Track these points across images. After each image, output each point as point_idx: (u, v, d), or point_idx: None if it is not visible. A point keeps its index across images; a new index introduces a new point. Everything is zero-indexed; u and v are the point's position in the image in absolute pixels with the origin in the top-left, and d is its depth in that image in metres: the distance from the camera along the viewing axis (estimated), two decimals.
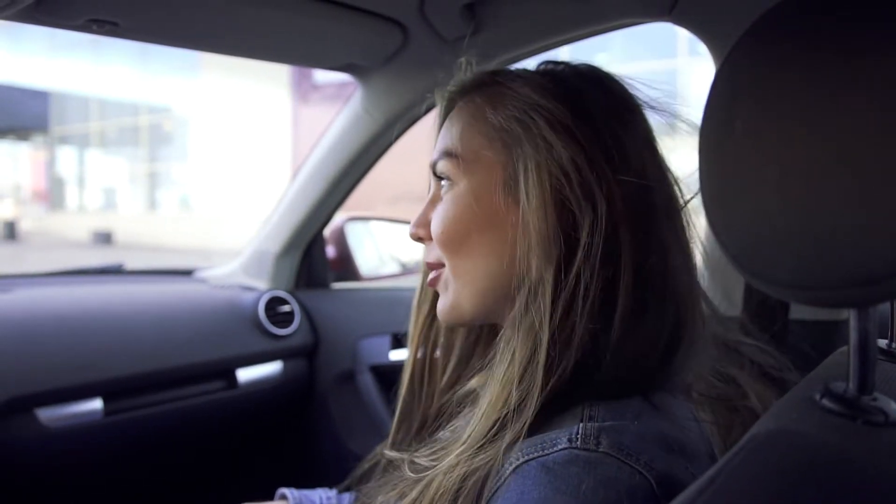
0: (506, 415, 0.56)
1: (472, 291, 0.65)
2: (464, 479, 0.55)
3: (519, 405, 0.56)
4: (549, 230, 0.59)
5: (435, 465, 0.59)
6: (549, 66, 0.69)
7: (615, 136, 0.61)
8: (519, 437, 0.54)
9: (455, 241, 0.65)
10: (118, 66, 17.93)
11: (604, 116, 0.62)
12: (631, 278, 0.58)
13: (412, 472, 0.62)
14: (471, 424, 0.59)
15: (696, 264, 0.64)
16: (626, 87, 0.67)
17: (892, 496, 0.35)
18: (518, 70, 0.70)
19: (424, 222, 0.69)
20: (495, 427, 0.56)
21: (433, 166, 0.69)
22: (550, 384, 0.55)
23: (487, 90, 0.68)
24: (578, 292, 0.57)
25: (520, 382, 0.56)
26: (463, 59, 0.73)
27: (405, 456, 0.65)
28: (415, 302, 0.80)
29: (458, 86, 0.71)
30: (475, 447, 0.56)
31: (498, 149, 0.64)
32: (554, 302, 0.57)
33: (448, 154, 0.66)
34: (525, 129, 0.62)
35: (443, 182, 0.68)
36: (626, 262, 0.58)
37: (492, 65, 0.74)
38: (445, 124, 0.70)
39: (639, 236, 0.59)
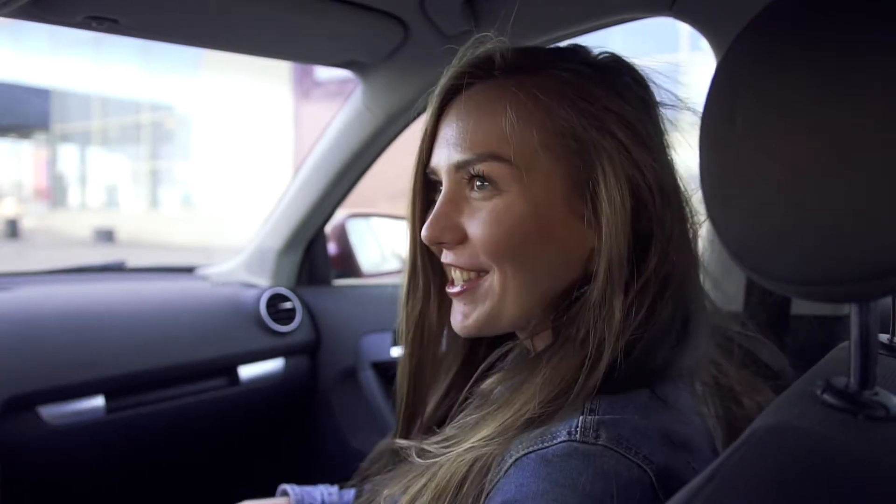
0: (537, 416, 0.56)
1: (519, 303, 0.62)
2: (470, 466, 0.55)
3: (556, 409, 0.56)
4: (625, 248, 0.57)
5: (444, 454, 0.59)
6: (583, 53, 0.65)
7: (660, 135, 0.62)
8: (519, 428, 0.55)
9: (509, 251, 0.60)
10: (120, 63, 17.91)
11: (653, 113, 0.63)
12: (672, 274, 0.58)
13: (420, 459, 0.61)
14: (496, 419, 0.58)
15: (699, 258, 0.64)
16: (647, 80, 0.65)
17: (893, 490, 0.35)
18: (564, 53, 0.65)
19: (451, 225, 0.63)
20: (524, 425, 0.56)
21: (463, 165, 0.62)
22: (591, 387, 0.55)
23: (541, 77, 0.61)
24: (636, 308, 0.57)
25: (561, 391, 0.56)
26: (488, 33, 0.65)
27: (415, 443, 0.65)
28: (405, 300, 0.74)
29: (492, 62, 0.63)
30: (491, 438, 0.56)
31: (560, 154, 0.59)
32: (617, 317, 0.57)
33: (496, 157, 0.60)
34: (603, 134, 0.59)
35: (478, 183, 0.62)
36: (678, 261, 0.59)
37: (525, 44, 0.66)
38: (467, 112, 0.63)
39: (679, 243, 0.60)
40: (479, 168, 0.60)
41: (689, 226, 0.62)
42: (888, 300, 0.60)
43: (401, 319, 0.75)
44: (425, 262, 0.72)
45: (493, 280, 0.62)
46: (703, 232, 0.65)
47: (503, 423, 0.56)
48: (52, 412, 1.16)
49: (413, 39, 1.08)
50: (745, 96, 0.43)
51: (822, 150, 0.37)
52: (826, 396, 0.42)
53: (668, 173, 0.61)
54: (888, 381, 0.45)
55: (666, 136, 0.64)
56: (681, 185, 0.62)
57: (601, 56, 0.65)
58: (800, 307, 0.97)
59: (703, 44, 0.98)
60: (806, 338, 0.96)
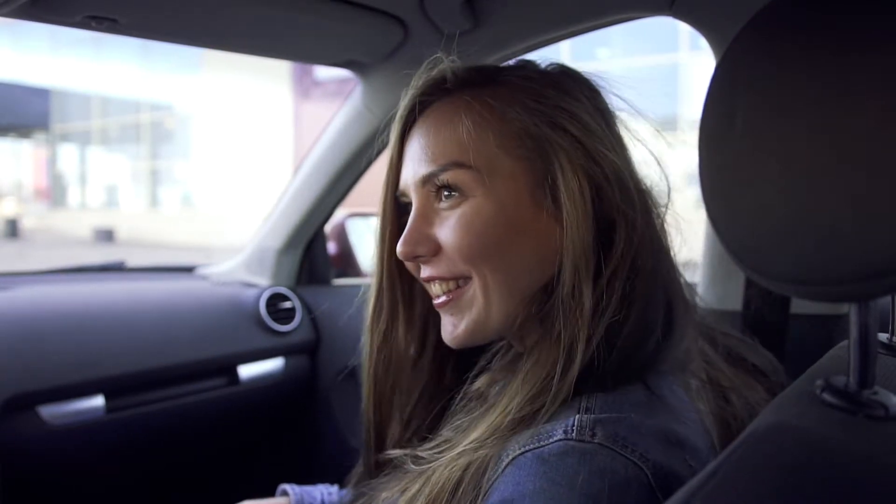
0: (524, 416, 0.56)
1: (503, 303, 0.62)
2: (465, 470, 0.55)
3: (540, 406, 0.56)
4: (588, 237, 0.59)
5: (438, 459, 0.59)
6: (531, 65, 0.68)
7: (616, 134, 0.63)
8: (515, 427, 0.55)
9: (483, 253, 0.62)
10: (119, 63, 17.91)
11: (606, 115, 0.64)
12: (648, 270, 0.59)
13: (415, 466, 0.62)
14: (485, 421, 0.59)
15: (670, 248, 0.64)
16: (597, 86, 0.67)
17: (892, 489, 0.35)
18: (513, 65, 0.68)
19: (423, 238, 0.64)
20: (511, 425, 0.56)
21: (429, 178, 0.64)
22: (566, 387, 0.56)
23: (493, 87, 0.64)
24: (606, 296, 0.58)
25: (543, 387, 0.56)
26: (439, 55, 0.68)
27: (408, 452, 0.65)
28: (369, 324, 0.77)
29: (444, 81, 0.66)
30: (483, 440, 0.57)
31: (519, 154, 0.61)
32: (587, 307, 0.57)
33: (458, 164, 0.62)
34: (555, 129, 0.61)
35: (445, 193, 0.63)
36: (645, 256, 0.59)
37: (484, 60, 0.72)
38: (426, 128, 0.65)
39: (643, 230, 0.60)
40: (444, 178, 0.63)
41: (653, 216, 0.63)
42: (887, 299, 0.60)
43: (365, 343, 0.77)
44: (393, 283, 0.73)
45: (474, 286, 0.63)
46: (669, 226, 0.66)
47: (491, 423, 0.57)
48: (52, 412, 1.16)
49: (413, 39, 1.08)
50: (744, 96, 0.43)
51: (822, 149, 0.37)
52: (825, 396, 0.42)
53: (626, 166, 0.63)
54: (887, 380, 0.45)
55: (620, 135, 0.66)
56: (639, 178, 0.64)
57: (550, 66, 0.68)
58: (799, 306, 0.97)
59: (703, 43, 0.98)
60: (805, 337, 0.96)
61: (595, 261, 0.59)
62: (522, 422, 0.56)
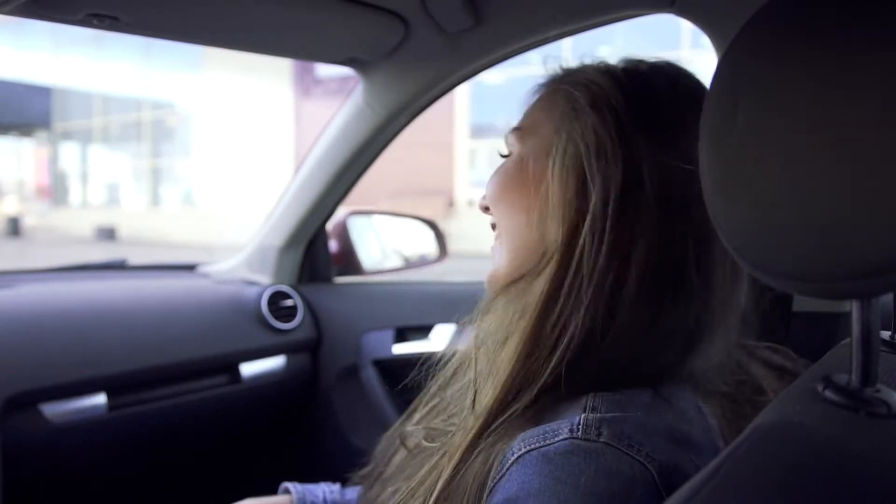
0: (511, 391, 0.57)
1: (509, 249, 0.66)
2: (472, 462, 0.55)
3: (529, 371, 0.57)
4: (567, 194, 0.60)
5: (449, 434, 0.61)
6: (632, 63, 0.68)
7: (672, 122, 0.60)
8: (522, 420, 0.55)
9: (496, 197, 0.68)
10: (121, 61, 17.93)
11: (667, 104, 0.62)
12: (646, 263, 0.57)
13: (429, 442, 0.64)
14: (478, 403, 0.60)
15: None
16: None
17: (894, 488, 0.35)
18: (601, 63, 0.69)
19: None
20: (500, 405, 0.57)
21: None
22: (558, 355, 0.56)
23: (563, 75, 0.69)
24: (584, 258, 0.57)
25: (532, 345, 0.57)
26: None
27: (421, 427, 0.67)
28: None
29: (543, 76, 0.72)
30: (479, 427, 0.57)
31: (551, 122, 0.66)
32: (563, 264, 0.58)
33: (515, 128, 0.69)
34: (570, 102, 0.63)
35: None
36: (643, 245, 0.57)
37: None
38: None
39: (667, 221, 0.58)
40: (507, 138, 0.72)
41: (706, 222, 0.60)
42: (890, 297, 0.60)
43: None
44: None
45: (496, 233, 0.70)
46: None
47: (482, 406, 0.59)
48: (53, 410, 1.16)
49: (414, 36, 1.08)
50: (746, 93, 0.43)
51: (823, 146, 0.37)
52: (827, 393, 0.42)
53: (674, 158, 0.62)
54: (890, 377, 0.45)
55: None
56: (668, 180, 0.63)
57: (642, 63, 0.69)
58: (801, 304, 0.97)
59: (705, 41, 0.98)
60: (807, 335, 0.96)
61: (571, 220, 0.59)
62: (509, 401, 0.57)
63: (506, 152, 0.71)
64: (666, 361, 0.58)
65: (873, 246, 0.35)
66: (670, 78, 0.65)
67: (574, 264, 0.58)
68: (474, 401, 0.62)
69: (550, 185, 0.61)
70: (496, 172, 0.69)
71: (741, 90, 0.43)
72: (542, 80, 0.71)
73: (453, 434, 0.62)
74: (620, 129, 0.60)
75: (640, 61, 0.67)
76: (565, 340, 0.56)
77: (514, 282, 0.64)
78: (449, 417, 0.64)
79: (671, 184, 0.58)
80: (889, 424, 0.40)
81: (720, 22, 0.93)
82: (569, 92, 0.64)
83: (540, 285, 0.59)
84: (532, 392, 0.56)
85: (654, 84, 0.64)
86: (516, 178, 0.66)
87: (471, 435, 0.58)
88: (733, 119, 0.43)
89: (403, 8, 1.00)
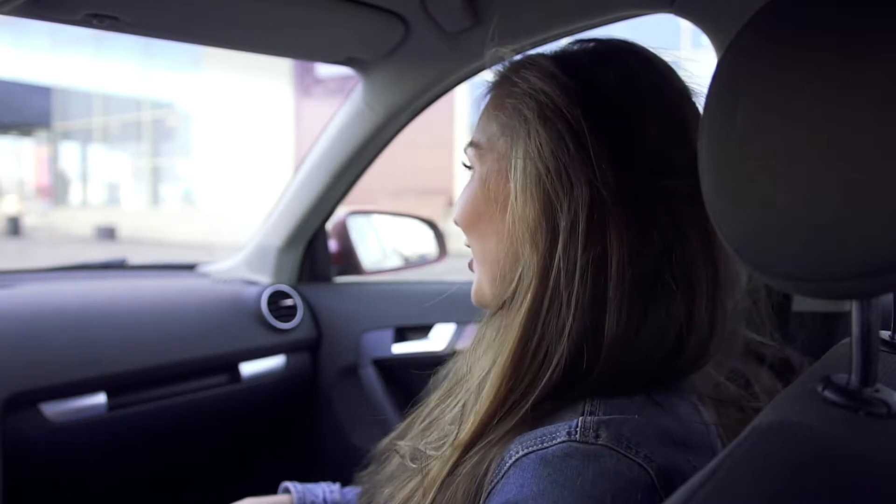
0: (501, 404, 0.56)
1: (487, 273, 0.66)
2: (462, 468, 0.55)
3: (515, 397, 0.56)
4: (533, 218, 0.58)
5: (435, 455, 0.60)
6: (570, 46, 0.66)
7: (627, 119, 0.59)
8: (519, 423, 0.55)
9: (465, 222, 0.67)
10: (121, 61, 17.93)
11: (617, 98, 0.59)
12: (622, 276, 0.55)
13: (412, 463, 0.63)
14: (467, 413, 0.60)
15: (726, 257, 0.60)
16: (666, 70, 0.63)
17: (893, 487, 0.35)
18: (536, 55, 0.67)
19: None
20: (492, 418, 0.57)
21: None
22: (545, 378, 0.55)
23: (507, 80, 0.66)
24: (561, 281, 0.56)
25: (513, 373, 0.57)
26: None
27: (411, 444, 0.66)
28: None
29: (490, 78, 0.70)
30: (471, 437, 0.57)
31: (504, 138, 0.64)
32: (541, 289, 0.57)
33: (471, 143, 0.68)
34: (520, 117, 0.61)
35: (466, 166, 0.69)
36: (616, 252, 0.56)
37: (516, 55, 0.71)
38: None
39: (638, 229, 0.56)
40: (465, 154, 0.69)
41: (685, 221, 0.58)
42: (890, 296, 0.60)
43: None
44: None
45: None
46: None
47: (474, 417, 0.59)
48: (54, 409, 1.16)
49: (414, 36, 1.08)
50: (745, 93, 0.43)
51: (823, 146, 0.37)
52: (827, 393, 0.42)
53: (638, 159, 0.60)
54: (889, 377, 0.45)
55: (676, 124, 0.62)
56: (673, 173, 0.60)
57: (580, 46, 0.67)
58: (801, 304, 0.97)
59: (705, 41, 0.98)
60: (807, 335, 0.96)
61: (543, 241, 0.58)
62: (500, 414, 0.57)
63: (468, 164, 0.69)
64: (658, 365, 0.57)
65: (872, 246, 0.35)
66: (617, 68, 0.62)
67: (551, 287, 0.57)
68: (459, 429, 0.60)
69: (515, 209, 0.60)
70: (462, 194, 0.68)
71: (741, 90, 0.43)
72: (487, 83, 0.69)
73: (454, 431, 0.62)
74: (578, 146, 0.57)
75: (580, 50, 0.65)
76: (553, 362, 0.55)
77: (497, 302, 0.63)
78: (440, 438, 0.63)
79: (637, 191, 0.57)
80: (888, 424, 0.40)
81: (720, 22, 0.93)
82: (515, 107, 0.62)
83: (521, 312, 0.58)
84: (520, 412, 0.56)
85: (602, 83, 0.61)
86: (481, 201, 0.65)
87: (449, 464, 0.57)
88: (733, 119, 0.43)
89: (403, 8, 1.00)
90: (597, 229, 0.56)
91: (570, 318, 0.55)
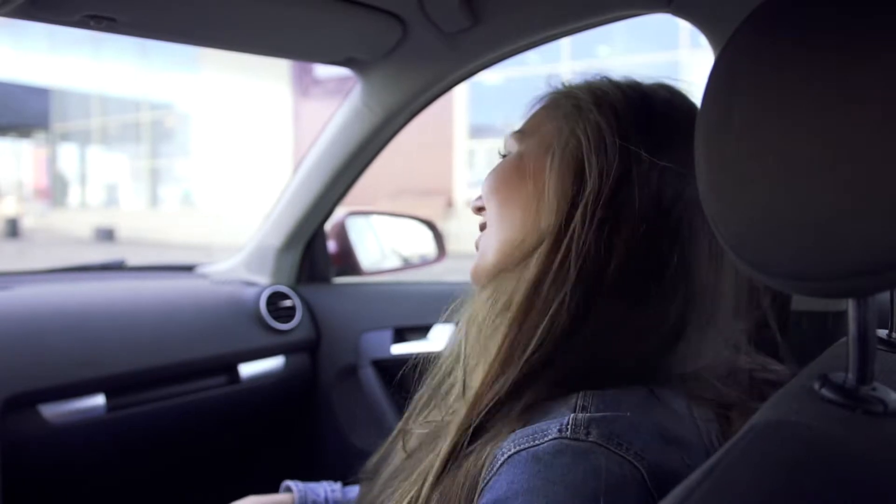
0: (499, 374, 0.58)
1: (496, 241, 0.67)
2: (458, 463, 0.56)
3: (513, 363, 0.58)
4: (561, 187, 0.61)
5: (432, 446, 0.62)
6: (633, 79, 0.71)
7: (667, 130, 0.62)
8: (513, 420, 0.55)
9: (490, 191, 0.69)
10: (119, 62, 17.92)
11: (663, 114, 0.64)
12: (628, 250, 0.58)
13: (405, 451, 0.65)
14: (468, 388, 0.61)
15: (728, 266, 0.61)
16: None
17: (891, 486, 0.35)
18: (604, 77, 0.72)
19: None
20: (488, 388, 0.58)
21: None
22: (543, 344, 0.57)
23: (570, 87, 0.70)
24: (573, 246, 0.58)
25: (515, 340, 0.58)
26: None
27: (412, 428, 0.69)
28: None
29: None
30: (462, 430, 0.58)
31: (553, 123, 0.67)
32: (552, 252, 0.59)
33: (516, 131, 0.71)
34: (576, 103, 0.65)
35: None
36: (627, 232, 0.58)
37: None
38: None
39: (653, 215, 0.59)
40: (506, 142, 0.73)
41: (694, 223, 0.60)
42: (886, 295, 0.60)
43: None
44: None
45: (487, 225, 0.71)
46: None
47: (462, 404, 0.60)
48: (52, 410, 1.16)
49: (412, 37, 1.08)
50: (741, 93, 0.43)
51: (819, 145, 0.37)
52: (824, 392, 0.42)
53: (668, 161, 0.64)
54: (886, 376, 0.45)
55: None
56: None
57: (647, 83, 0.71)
58: (798, 303, 0.97)
59: (703, 41, 0.98)
60: (805, 334, 0.96)
61: (563, 210, 0.61)
62: (490, 398, 0.58)
63: (504, 152, 0.72)
64: (650, 357, 0.58)
65: (869, 244, 0.35)
66: (667, 95, 0.67)
67: (563, 247, 0.59)
68: (464, 388, 0.63)
69: (548, 179, 0.63)
70: (493, 169, 0.70)
71: (737, 90, 0.43)
72: (545, 92, 0.73)
73: (450, 421, 0.63)
74: (620, 127, 0.61)
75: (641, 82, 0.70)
76: (551, 324, 0.57)
77: (501, 272, 0.65)
78: (447, 411, 0.65)
79: (660, 182, 0.60)
80: (885, 422, 0.40)
81: (717, 22, 0.93)
82: (573, 94, 0.66)
83: (529, 270, 0.60)
84: (518, 371, 0.57)
85: (653, 96, 0.66)
86: (514, 173, 0.67)
87: (461, 419, 0.58)
88: (729, 119, 0.43)
89: (401, 8, 1.00)
90: (617, 200, 0.59)
91: (573, 277, 0.58)
